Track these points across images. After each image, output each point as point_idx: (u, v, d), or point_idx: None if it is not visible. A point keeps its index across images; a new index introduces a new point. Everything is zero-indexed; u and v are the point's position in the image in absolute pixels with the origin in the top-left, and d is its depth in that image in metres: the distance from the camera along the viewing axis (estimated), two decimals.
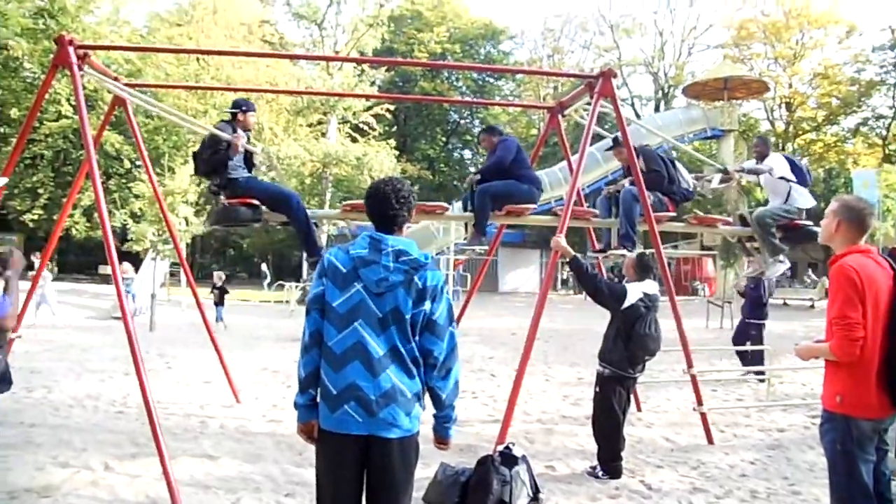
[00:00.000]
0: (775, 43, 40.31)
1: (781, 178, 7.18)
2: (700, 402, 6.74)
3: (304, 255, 6.33)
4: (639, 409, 8.06)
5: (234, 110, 6.39)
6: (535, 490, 4.94)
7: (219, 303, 17.16)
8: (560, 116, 7.71)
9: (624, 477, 5.64)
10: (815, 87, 40.74)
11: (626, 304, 5.55)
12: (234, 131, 6.14)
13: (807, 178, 7.37)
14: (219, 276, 18.83)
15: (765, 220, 7.13)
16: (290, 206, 5.98)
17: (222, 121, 6.44)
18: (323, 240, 28.10)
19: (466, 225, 7.21)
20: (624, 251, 6.75)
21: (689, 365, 6.70)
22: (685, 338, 6.76)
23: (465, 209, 7.09)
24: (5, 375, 3.22)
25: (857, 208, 3.54)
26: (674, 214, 7.21)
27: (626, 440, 5.88)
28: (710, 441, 6.74)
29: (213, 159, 6.01)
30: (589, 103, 6.76)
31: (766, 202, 7.63)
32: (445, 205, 6.82)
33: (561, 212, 6.43)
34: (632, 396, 6.21)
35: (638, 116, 43.43)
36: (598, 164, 31.12)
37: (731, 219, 8.05)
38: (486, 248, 15.72)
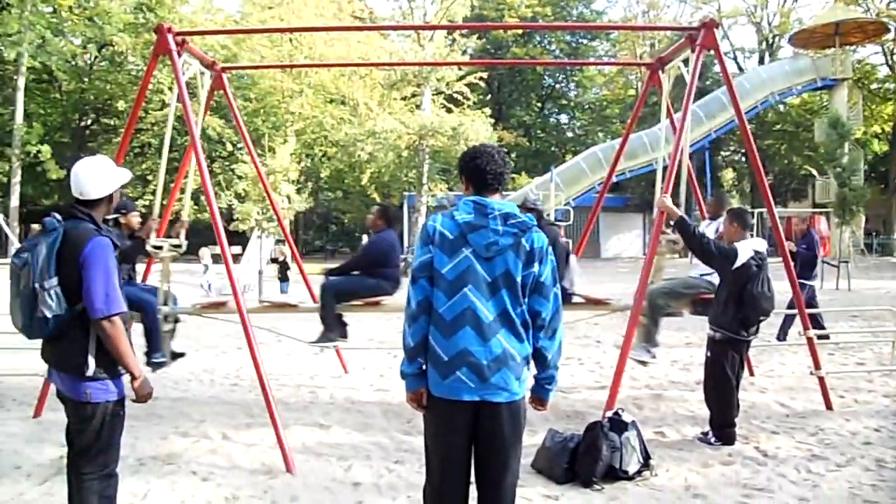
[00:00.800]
0: None
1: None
2: (818, 366, 6.44)
3: None
4: (751, 374, 7.78)
5: (116, 213, 6.16)
6: (646, 456, 4.86)
7: (282, 279, 17.26)
8: (660, 73, 7.43)
9: (737, 443, 5.46)
10: None
11: (738, 263, 5.32)
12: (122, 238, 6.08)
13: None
14: (280, 251, 18.94)
15: (656, 298, 6.25)
16: (143, 310, 6.25)
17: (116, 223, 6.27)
18: (423, 211, 28.51)
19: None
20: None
21: (805, 327, 6.42)
22: (801, 299, 6.47)
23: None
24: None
25: None
26: None
27: (740, 405, 5.69)
28: (829, 407, 6.44)
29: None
30: (688, 59, 6.48)
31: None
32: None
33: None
34: (745, 360, 5.95)
35: (741, 70, 41.66)
36: (701, 122, 30.12)
37: None
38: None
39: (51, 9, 33.01)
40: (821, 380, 6.47)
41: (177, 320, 6.86)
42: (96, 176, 3.35)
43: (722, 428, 5.49)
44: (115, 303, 3.16)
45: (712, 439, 5.48)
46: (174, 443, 5.64)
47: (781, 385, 7.50)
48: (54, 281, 3.14)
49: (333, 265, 7.13)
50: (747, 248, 5.40)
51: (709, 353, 5.63)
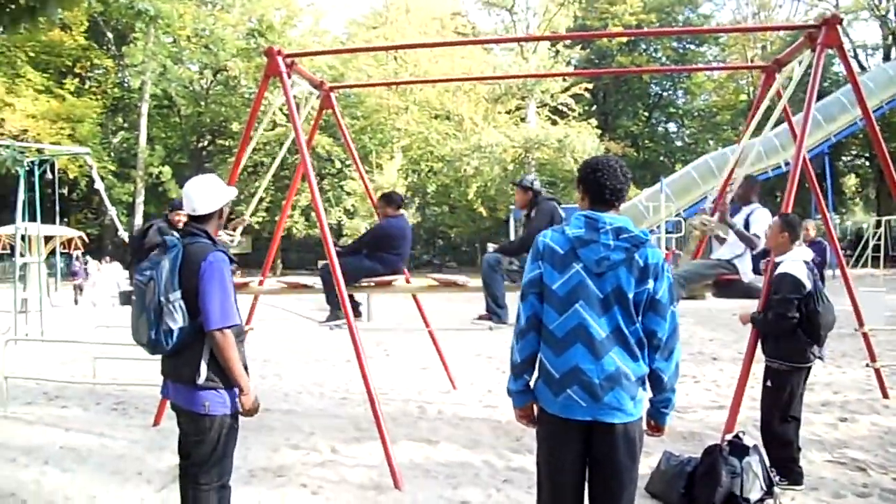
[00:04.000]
0: None
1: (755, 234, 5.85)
2: None
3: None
4: (885, 396, 7.24)
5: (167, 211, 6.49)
6: (770, 483, 4.55)
7: None
8: (777, 76, 7.06)
9: (874, 473, 5.07)
10: None
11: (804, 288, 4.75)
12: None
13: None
14: None
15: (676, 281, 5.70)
16: None
17: (160, 222, 6.45)
18: None
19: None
20: None
21: None
22: None
23: None
24: (245, 366, 3.47)
25: None
26: None
27: (873, 430, 5.24)
28: None
29: (139, 257, 6.36)
30: (810, 59, 6.12)
31: None
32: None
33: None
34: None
35: (863, 69, 39.46)
36: (819, 127, 28.69)
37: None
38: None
39: (171, 38, 34.92)
40: None
41: None
42: (205, 193, 3.51)
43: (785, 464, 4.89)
44: (229, 315, 3.29)
45: (777, 478, 4.76)
46: (285, 455, 5.73)
47: None
48: (178, 294, 3.28)
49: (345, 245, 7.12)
50: (800, 263, 4.86)
51: (768, 384, 5.01)
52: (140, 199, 34.61)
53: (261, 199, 33.52)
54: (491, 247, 6.53)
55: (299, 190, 8.39)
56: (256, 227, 33.82)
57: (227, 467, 3.51)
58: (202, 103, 39.47)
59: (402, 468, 5.14)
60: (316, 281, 6.79)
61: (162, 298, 3.25)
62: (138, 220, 34.05)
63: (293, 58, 6.33)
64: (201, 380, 3.30)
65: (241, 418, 3.51)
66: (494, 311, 6.03)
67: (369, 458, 5.58)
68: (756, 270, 5.90)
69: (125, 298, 7.16)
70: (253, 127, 6.99)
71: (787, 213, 5.25)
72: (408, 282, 7.15)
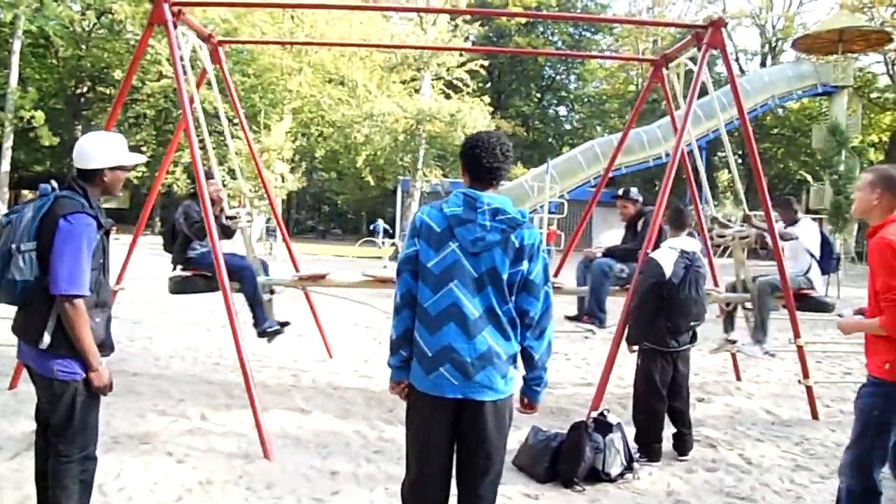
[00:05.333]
0: None
1: (807, 250, 6.56)
2: (806, 375, 6.38)
3: None
4: (738, 379, 7.75)
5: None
6: (630, 459, 4.79)
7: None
8: (664, 70, 7.34)
9: (722, 450, 5.42)
10: None
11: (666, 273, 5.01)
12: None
13: (831, 262, 6.78)
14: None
15: (767, 290, 6.42)
16: (242, 279, 6.29)
17: (189, 196, 6.47)
18: (416, 197, 28.38)
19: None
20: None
21: (796, 335, 6.34)
22: (792, 304, 6.38)
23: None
24: (105, 339, 3.27)
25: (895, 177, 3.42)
26: None
27: (725, 410, 5.60)
28: (815, 416, 6.37)
29: (188, 236, 6.32)
30: (693, 57, 6.39)
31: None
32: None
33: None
34: (679, 372, 5.33)
35: (743, 72, 41.56)
36: (699, 122, 30.03)
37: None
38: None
39: None
40: (808, 389, 6.41)
41: (272, 291, 6.79)
42: (97, 148, 3.25)
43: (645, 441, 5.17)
44: (77, 283, 3.02)
45: (637, 454, 5.06)
46: (151, 421, 5.54)
47: (768, 392, 7.45)
48: (31, 245, 3.03)
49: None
50: (670, 251, 5.11)
51: (637, 362, 5.30)
52: (8, 144, 32.23)
53: (141, 153, 32.37)
54: (599, 252, 6.57)
55: (181, 146, 8.03)
56: (135, 182, 32.35)
57: (90, 437, 3.27)
58: (83, 46, 37.19)
59: (272, 437, 5.07)
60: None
61: (13, 246, 3.00)
62: (5, 167, 31.76)
63: (181, 6, 6.03)
64: (43, 344, 3.06)
65: None
66: (597, 315, 6.09)
67: (239, 427, 5.46)
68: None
69: (174, 286, 6.65)
70: (134, 76, 6.62)
71: (678, 206, 5.56)
72: None
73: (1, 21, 32.85)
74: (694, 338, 5.29)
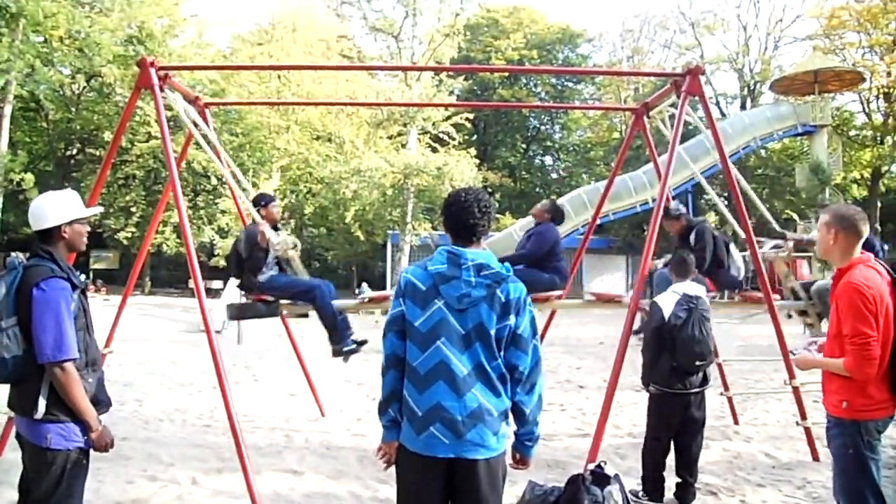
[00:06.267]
0: (871, 30, 37.89)
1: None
2: (804, 416, 6.33)
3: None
4: (736, 423, 7.67)
5: (255, 207, 6.42)
6: None
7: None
8: (645, 118, 7.44)
9: (724, 496, 5.34)
10: None
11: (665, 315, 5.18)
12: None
13: (879, 254, 6.82)
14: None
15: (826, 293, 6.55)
16: (314, 299, 6.13)
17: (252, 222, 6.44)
18: (406, 250, 28.41)
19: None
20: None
21: (791, 375, 6.31)
22: (785, 346, 6.36)
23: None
24: (100, 396, 3.26)
25: (849, 216, 3.43)
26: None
27: (724, 455, 5.57)
28: (816, 458, 6.31)
29: (251, 261, 6.16)
30: (675, 104, 6.48)
31: None
32: None
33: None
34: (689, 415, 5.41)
35: (723, 115, 42.16)
36: (685, 166, 30.31)
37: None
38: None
39: (41, 38, 32.93)
40: (807, 430, 6.35)
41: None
42: (50, 206, 3.26)
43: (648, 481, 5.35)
44: (64, 348, 3.02)
45: (641, 493, 5.31)
46: (141, 487, 5.45)
47: (767, 434, 7.38)
48: (13, 321, 3.04)
49: None
50: (671, 294, 5.32)
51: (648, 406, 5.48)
52: None
53: (130, 213, 32.42)
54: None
55: (170, 205, 8.04)
56: (125, 242, 32.30)
57: None
58: (73, 109, 37.43)
59: (264, 500, 5.00)
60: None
61: None
62: None
63: (167, 70, 6.10)
64: (38, 414, 3.05)
65: (93, 452, 3.28)
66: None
67: (231, 490, 5.38)
68: None
69: (234, 311, 6.66)
70: (122, 138, 6.66)
71: (680, 254, 5.70)
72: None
73: None
74: (705, 380, 5.34)
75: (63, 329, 3.04)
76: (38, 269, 3.10)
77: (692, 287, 5.39)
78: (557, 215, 6.80)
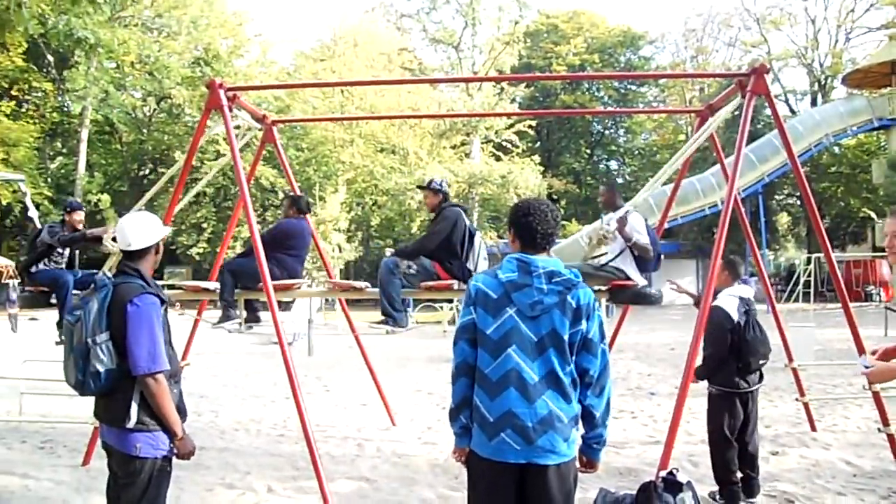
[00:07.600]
0: None
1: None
2: (886, 423, 6.10)
3: None
4: (813, 429, 7.45)
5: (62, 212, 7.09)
6: None
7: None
8: (710, 119, 7.32)
9: None
10: None
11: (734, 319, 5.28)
12: (63, 230, 6.82)
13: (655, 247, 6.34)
14: None
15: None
16: (59, 289, 6.63)
17: (53, 222, 7.11)
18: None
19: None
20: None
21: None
22: (863, 349, 6.16)
23: None
24: (180, 406, 3.40)
25: None
26: None
27: (802, 462, 5.47)
28: None
29: (31, 257, 6.85)
30: (740, 104, 6.37)
31: None
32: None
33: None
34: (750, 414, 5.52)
35: (793, 112, 41.06)
36: (753, 167, 29.67)
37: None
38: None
39: (114, 64, 34.38)
40: (890, 437, 6.12)
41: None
42: (139, 228, 3.44)
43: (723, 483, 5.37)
44: (157, 360, 3.19)
45: (717, 495, 5.38)
46: (219, 495, 5.60)
47: (846, 441, 7.13)
48: (105, 336, 3.20)
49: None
50: (732, 297, 5.39)
51: (708, 407, 5.56)
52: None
53: (202, 230, 33.37)
54: (388, 251, 6.59)
55: (241, 221, 8.32)
56: (197, 257, 33.26)
57: None
58: (144, 131, 38.91)
59: None
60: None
61: (89, 340, 3.16)
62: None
63: (235, 91, 6.30)
64: (131, 423, 3.20)
65: (175, 460, 3.42)
66: (390, 314, 5.88)
67: (306, 498, 5.48)
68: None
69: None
70: (194, 157, 6.90)
71: (730, 256, 5.73)
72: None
73: (71, 112, 34.68)
74: (761, 377, 5.51)
75: (156, 342, 3.22)
76: (130, 287, 3.28)
77: (744, 290, 5.52)
78: (301, 209, 6.86)
